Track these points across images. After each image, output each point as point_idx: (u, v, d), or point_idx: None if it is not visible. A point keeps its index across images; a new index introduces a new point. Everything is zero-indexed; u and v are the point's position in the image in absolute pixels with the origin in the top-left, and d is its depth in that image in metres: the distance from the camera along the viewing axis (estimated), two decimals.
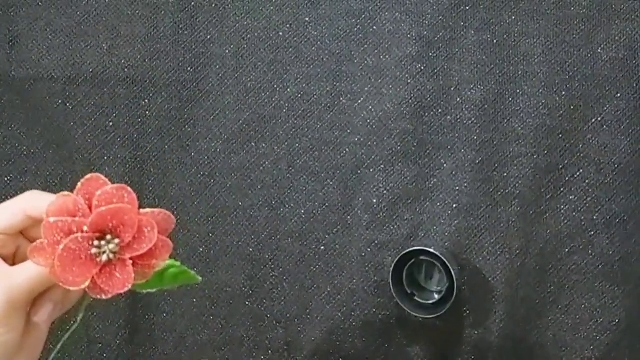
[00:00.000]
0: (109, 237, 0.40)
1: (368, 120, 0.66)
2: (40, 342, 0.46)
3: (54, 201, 0.40)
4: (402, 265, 0.64)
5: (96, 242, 0.40)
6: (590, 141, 0.64)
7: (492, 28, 0.65)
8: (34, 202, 0.45)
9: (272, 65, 0.67)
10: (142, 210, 0.41)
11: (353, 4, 0.66)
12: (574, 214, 0.65)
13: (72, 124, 0.68)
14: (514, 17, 0.64)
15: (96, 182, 0.41)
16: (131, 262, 0.41)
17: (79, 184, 0.41)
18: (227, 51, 0.67)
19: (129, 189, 0.41)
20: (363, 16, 0.66)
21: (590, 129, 0.64)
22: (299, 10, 0.66)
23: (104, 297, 0.41)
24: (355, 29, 0.66)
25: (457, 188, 0.65)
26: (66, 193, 0.40)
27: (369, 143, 0.66)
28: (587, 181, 0.64)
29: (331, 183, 0.66)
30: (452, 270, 0.62)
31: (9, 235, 0.45)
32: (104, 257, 0.40)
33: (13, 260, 0.46)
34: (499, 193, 0.65)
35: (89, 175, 0.41)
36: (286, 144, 0.67)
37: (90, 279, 0.40)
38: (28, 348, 0.45)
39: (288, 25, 0.66)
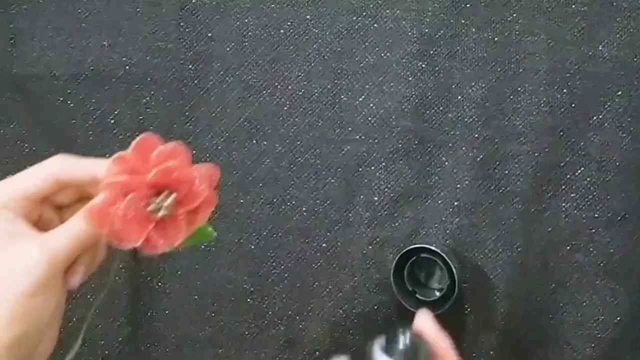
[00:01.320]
0: (165, 193, 0.40)
1: (369, 118, 0.66)
2: (63, 311, 0.44)
3: (112, 160, 0.40)
4: (403, 263, 0.64)
5: (153, 199, 0.40)
6: (591, 139, 0.64)
7: (493, 26, 0.65)
8: (65, 167, 0.43)
9: (273, 62, 0.67)
10: (194, 165, 0.41)
11: (354, 2, 0.66)
12: (575, 211, 0.65)
13: (73, 121, 0.68)
14: (515, 15, 0.64)
15: (150, 141, 0.41)
16: (182, 217, 0.41)
17: (133, 143, 0.40)
18: (229, 49, 0.67)
19: (184, 145, 0.41)
20: (364, 14, 0.66)
21: (591, 126, 0.64)
22: (300, 8, 0.66)
23: (153, 253, 0.41)
24: (356, 27, 0.66)
25: (458, 186, 0.65)
26: (122, 153, 0.40)
27: (370, 141, 0.66)
28: (588, 179, 0.64)
29: (332, 181, 0.66)
30: (453, 268, 0.62)
31: (34, 202, 0.43)
32: (161, 214, 0.40)
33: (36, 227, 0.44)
34: (500, 191, 0.65)
35: (142, 134, 0.40)
36: (287, 141, 0.67)
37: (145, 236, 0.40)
38: (58, 317, 0.43)
39: (289, 23, 0.66)
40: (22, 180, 0.43)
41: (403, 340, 0.43)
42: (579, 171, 0.65)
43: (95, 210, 0.40)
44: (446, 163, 0.66)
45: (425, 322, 0.47)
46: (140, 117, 0.67)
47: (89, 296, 0.47)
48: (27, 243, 0.41)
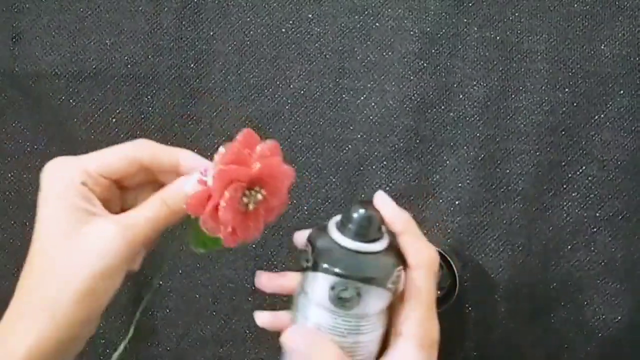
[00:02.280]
0: (257, 188, 0.41)
1: (370, 117, 0.66)
2: None
3: (226, 150, 0.41)
4: None
5: (247, 192, 0.41)
6: (593, 138, 0.64)
7: (495, 25, 0.64)
8: (150, 151, 0.44)
9: (275, 61, 0.66)
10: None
11: (356, 1, 0.66)
12: (577, 210, 0.65)
13: (75, 120, 0.68)
14: (517, 14, 0.64)
15: (251, 136, 0.42)
16: (262, 214, 0.42)
17: (238, 136, 0.41)
18: (230, 47, 0.67)
19: (279, 145, 0.42)
20: (365, 12, 0.66)
21: (593, 126, 0.64)
22: (301, 7, 0.66)
23: (232, 245, 0.42)
24: (358, 26, 0.66)
25: (460, 185, 0.65)
26: (231, 144, 0.41)
27: (372, 139, 0.66)
28: (589, 178, 0.64)
29: (334, 180, 0.66)
30: (454, 267, 0.62)
31: (111, 180, 0.44)
32: (250, 207, 0.41)
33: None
34: (502, 190, 0.65)
35: (245, 130, 0.42)
36: (289, 140, 0.67)
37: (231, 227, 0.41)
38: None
39: (291, 22, 0.66)
40: (107, 157, 0.44)
41: (354, 216, 0.43)
42: (581, 170, 0.65)
43: (196, 196, 0.40)
44: (447, 162, 0.66)
45: (382, 201, 0.45)
46: (142, 116, 0.67)
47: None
48: (106, 224, 0.41)
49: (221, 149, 0.41)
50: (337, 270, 0.42)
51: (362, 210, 0.43)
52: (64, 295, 0.40)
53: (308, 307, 0.45)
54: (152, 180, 0.46)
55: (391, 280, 0.43)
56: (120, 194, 0.46)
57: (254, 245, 0.67)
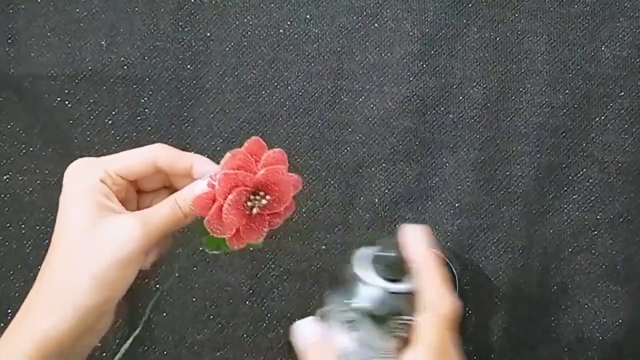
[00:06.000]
0: (262, 193, 0.43)
1: (369, 119, 0.65)
2: None
3: (231, 155, 0.43)
4: None
5: (252, 197, 0.43)
6: (594, 140, 0.64)
7: (494, 25, 0.64)
8: (166, 155, 0.46)
9: (273, 62, 0.66)
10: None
11: (354, 1, 0.65)
12: (577, 213, 0.64)
13: (71, 121, 0.67)
14: (516, 15, 0.64)
15: (258, 144, 0.44)
16: (267, 218, 0.44)
17: (246, 143, 0.44)
18: (227, 48, 0.66)
19: (285, 153, 0.45)
20: (364, 13, 0.65)
21: (594, 127, 0.64)
22: (299, 7, 0.66)
23: (235, 247, 0.44)
24: (357, 26, 0.65)
25: (460, 187, 0.65)
26: (238, 150, 0.43)
27: (371, 141, 0.66)
28: (590, 180, 0.64)
29: (332, 182, 0.66)
30: (454, 270, 0.61)
31: (128, 181, 0.46)
32: (254, 211, 0.43)
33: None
34: (502, 192, 0.65)
35: (253, 138, 0.44)
36: (287, 142, 0.66)
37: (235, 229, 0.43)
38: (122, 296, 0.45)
39: (289, 22, 0.66)
40: (125, 158, 0.46)
41: (377, 251, 0.45)
42: (581, 172, 0.64)
43: (202, 197, 0.43)
44: (447, 164, 0.65)
45: (405, 236, 0.45)
46: (138, 118, 0.67)
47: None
48: (125, 217, 0.44)
49: (228, 154, 0.43)
50: (344, 292, 0.45)
51: (386, 248, 0.45)
52: (80, 283, 0.42)
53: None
54: (167, 186, 0.49)
55: (391, 325, 0.43)
56: (137, 197, 0.48)
57: (251, 248, 0.66)
